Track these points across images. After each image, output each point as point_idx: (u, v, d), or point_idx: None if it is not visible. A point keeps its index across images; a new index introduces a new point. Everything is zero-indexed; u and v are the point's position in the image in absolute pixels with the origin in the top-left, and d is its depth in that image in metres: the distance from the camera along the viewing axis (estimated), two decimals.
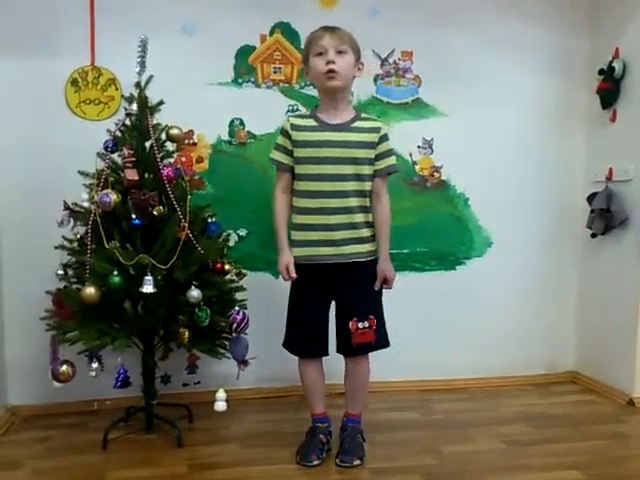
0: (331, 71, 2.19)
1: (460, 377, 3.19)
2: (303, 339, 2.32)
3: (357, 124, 2.29)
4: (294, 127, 2.28)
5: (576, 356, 3.35)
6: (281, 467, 2.26)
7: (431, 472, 2.23)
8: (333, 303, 2.35)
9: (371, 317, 2.27)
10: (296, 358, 2.37)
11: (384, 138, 2.31)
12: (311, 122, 2.29)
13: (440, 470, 2.25)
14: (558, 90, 3.24)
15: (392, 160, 2.34)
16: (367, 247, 2.30)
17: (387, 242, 2.33)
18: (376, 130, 2.30)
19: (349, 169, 2.24)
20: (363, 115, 2.36)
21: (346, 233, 2.25)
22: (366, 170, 2.28)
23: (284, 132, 2.30)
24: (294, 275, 2.27)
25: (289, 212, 2.33)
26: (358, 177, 2.26)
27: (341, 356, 2.35)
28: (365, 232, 2.30)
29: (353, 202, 2.26)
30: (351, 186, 2.25)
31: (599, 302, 3.19)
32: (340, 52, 2.21)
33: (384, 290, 2.35)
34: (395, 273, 2.34)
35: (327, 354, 2.35)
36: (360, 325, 2.26)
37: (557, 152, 3.27)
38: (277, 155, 2.32)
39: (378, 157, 2.30)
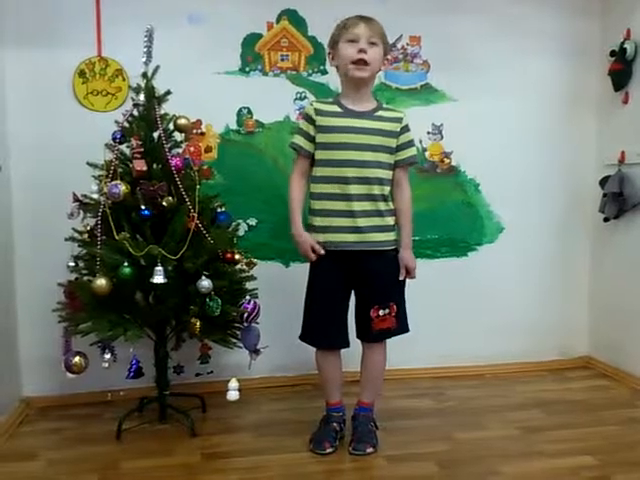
0: (361, 60, 2.19)
1: (473, 364, 3.18)
2: (324, 330, 2.31)
3: (380, 113, 2.29)
4: (319, 112, 2.26)
5: (590, 341, 3.34)
6: (294, 455, 2.26)
7: (445, 459, 2.23)
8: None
9: (391, 304, 2.27)
10: (309, 347, 2.36)
11: (405, 129, 2.31)
12: (335, 108, 2.28)
13: (454, 456, 2.26)
14: (569, 73, 3.20)
15: (413, 151, 2.34)
16: (391, 236, 2.30)
17: (409, 231, 2.33)
18: (398, 120, 2.30)
19: (371, 156, 2.23)
20: (385, 105, 2.36)
21: (370, 220, 2.24)
22: (387, 158, 2.27)
23: (308, 117, 2.28)
24: (322, 251, 2.23)
25: (305, 198, 2.32)
26: (379, 164, 2.25)
27: (357, 345, 2.34)
28: (389, 220, 2.29)
29: (375, 189, 2.25)
30: (372, 173, 2.24)
31: (612, 286, 3.16)
32: (372, 43, 2.21)
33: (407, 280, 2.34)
34: (415, 262, 2.33)
35: (348, 345, 2.33)
36: (381, 312, 2.26)
37: (568, 136, 3.23)
38: (299, 140, 2.30)
39: (400, 147, 2.30)
